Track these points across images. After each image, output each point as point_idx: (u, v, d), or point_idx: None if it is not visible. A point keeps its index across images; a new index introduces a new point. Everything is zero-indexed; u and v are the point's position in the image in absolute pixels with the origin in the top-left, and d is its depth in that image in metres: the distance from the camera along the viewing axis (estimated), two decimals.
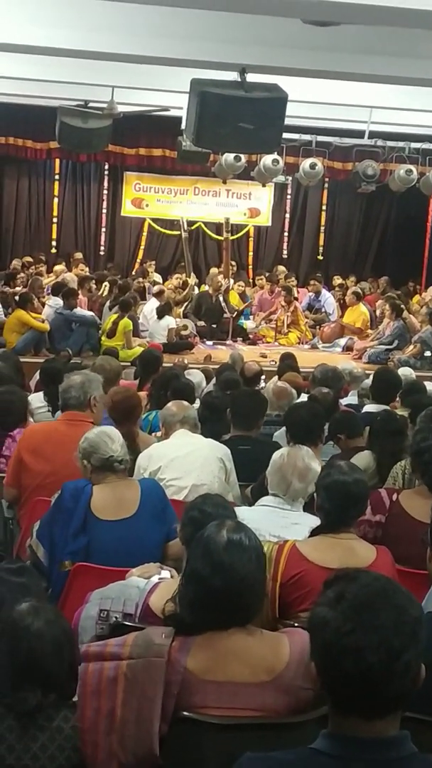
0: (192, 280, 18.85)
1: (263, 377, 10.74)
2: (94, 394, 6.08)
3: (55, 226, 21.21)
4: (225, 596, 2.97)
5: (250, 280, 20.97)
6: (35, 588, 3.80)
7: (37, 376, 9.45)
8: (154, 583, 3.76)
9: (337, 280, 20.66)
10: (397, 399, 8.63)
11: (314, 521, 4.61)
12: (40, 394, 8.48)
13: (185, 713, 2.87)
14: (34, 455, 5.80)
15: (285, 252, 22.60)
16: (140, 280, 18.70)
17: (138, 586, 3.81)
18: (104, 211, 21.55)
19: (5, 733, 3.01)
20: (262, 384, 10.20)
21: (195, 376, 9.56)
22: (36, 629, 3.14)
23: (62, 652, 3.15)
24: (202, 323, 17.16)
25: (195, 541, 3.16)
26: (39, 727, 3.03)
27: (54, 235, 21.22)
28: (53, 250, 20.96)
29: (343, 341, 17.35)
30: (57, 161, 20.58)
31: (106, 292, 17.58)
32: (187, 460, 6.03)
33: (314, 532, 4.33)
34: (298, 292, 19.14)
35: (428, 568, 3.58)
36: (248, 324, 18.22)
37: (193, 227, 21.02)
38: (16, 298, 15.46)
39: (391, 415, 6.99)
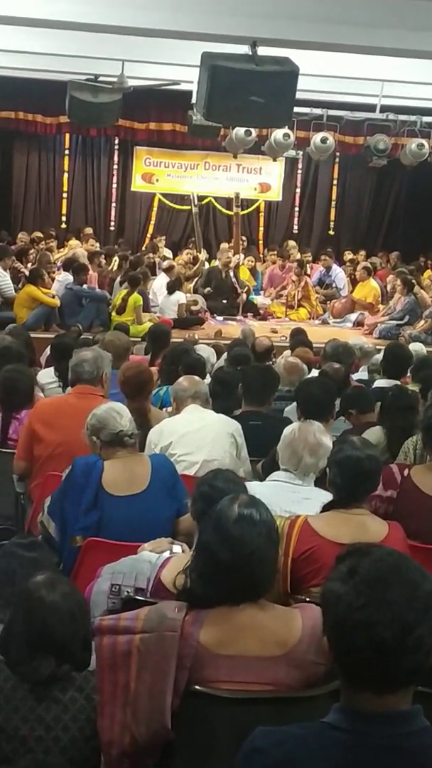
0: (203, 255, 18.81)
1: (274, 352, 10.71)
2: (105, 370, 6.11)
3: (65, 201, 21.19)
4: (234, 570, 2.99)
5: (261, 255, 20.92)
6: (47, 563, 3.82)
7: (47, 351, 9.46)
8: (166, 558, 3.77)
9: (348, 255, 20.61)
10: (408, 374, 8.61)
11: (325, 496, 4.61)
12: (51, 369, 8.50)
13: (197, 687, 2.88)
14: (45, 426, 5.84)
15: (296, 227, 22.56)
16: (150, 255, 18.65)
17: (150, 560, 3.81)
18: (114, 186, 21.51)
19: (19, 705, 3.03)
20: (273, 359, 10.19)
21: (204, 351, 9.55)
22: (51, 601, 3.15)
23: (76, 624, 3.16)
24: (211, 299, 17.12)
25: (208, 514, 3.17)
26: (53, 699, 3.05)
27: (64, 211, 21.21)
28: (63, 226, 20.95)
29: (353, 316, 17.31)
30: (67, 136, 20.53)
31: (116, 267, 17.56)
32: (198, 436, 6.03)
33: (326, 508, 4.33)
34: (311, 267, 19.12)
35: None
36: (258, 299, 18.19)
37: (203, 202, 20.99)
38: (26, 273, 15.44)
39: (403, 390, 6.98)
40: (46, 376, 8.42)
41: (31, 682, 3.07)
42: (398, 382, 8.06)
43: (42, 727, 3.01)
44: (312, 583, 3.98)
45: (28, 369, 7.12)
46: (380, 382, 8.34)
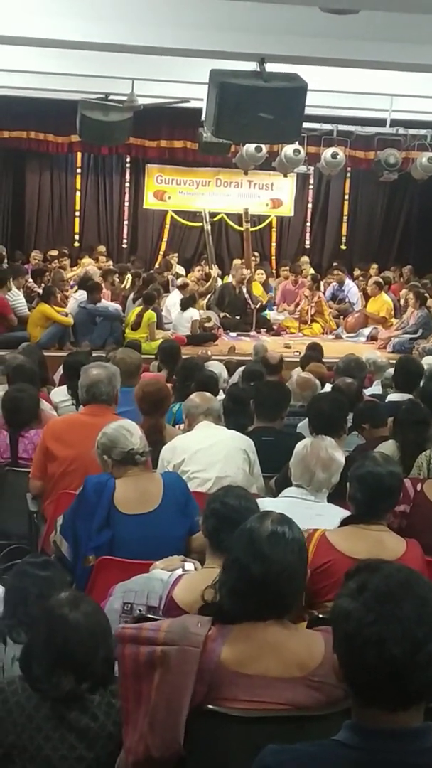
0: (215, 271, 18.83)
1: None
2: (118, 387, 6.13)
3: (77, 220, 21.25)
4: (264, 585, 2.99)
5: (273, 271, 20.93)
6: (60, 582, 3.81)
7: (61, 370, 9.47)
8: (178, 576, 3.77)
9: (358, 271, 20.55)
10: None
11: (339, 512, 4.60)
12: (64, 388, 8.50)
13: (210, 707, 2.87)
14: (58, 442, 5.87)
15: (308, 242, 22.58)
16: (164, 274, 18.68)
17: (161, 578, 3.81)
18: (126, 203, 21.56)
19: (42, 723, 3.03)
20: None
21: (215, 367, 9.54)
22: (73, 619, 3.16)
23: (97, 643, 3.17)
24: (224, 314, 17.15)
25: (239, 531, 3.18)
26: (74, 718, 3.05)
27: (77, 229, 21.26)
28: (76, 244, 21.01)
29: (367, 331, 17.30)
30: (78, 155, 20.59)
31: (129, 285, 17.59)
32: (210, 452, 6.03)
33: (345, 522, 4.32)
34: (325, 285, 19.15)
35: None
36: (272, 315, 18.20)
37: (215, 219, 21.02)
38: (40, 292, 15.49)
39: (416, 404, 6.94)
40: (60, 394, 8.42)
41: (52, 699, 3.07)
42: (411, 396, 8.04)
43: (65, 746, 3.01)
44: (327, 598, 3.96)
45: (32, 388, 7.10)
46: (393, 397, 8.33)
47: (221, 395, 7.91)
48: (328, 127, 17.44)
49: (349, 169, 20.05)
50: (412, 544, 4.28)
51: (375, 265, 20.65)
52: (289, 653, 2.97)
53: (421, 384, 8.40)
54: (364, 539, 4.17)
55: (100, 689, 3.13)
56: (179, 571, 3.85)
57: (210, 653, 2.91)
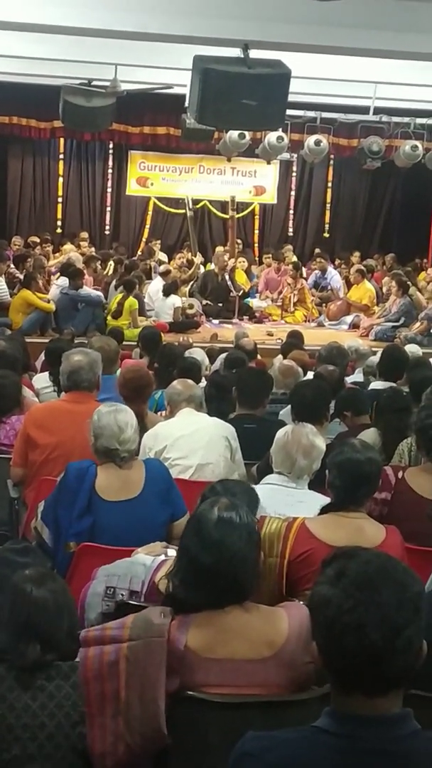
0: (198, 258, 18.81)
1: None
2: (99, 372, 6.11)
3: (60, 206, 21.18)
4: (215, 573, 2.99)
5: (256, 258, 20.93)
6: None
7: (42, 356, 9.45)
8: (161, 561, 3.77)
9: (340, 260, 20.55)
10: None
11: (320, 499, 4.60)
12: (46, 374, 8.48)
13: (189, 692, 2.88)
14: (40, 430, 5.83)
15: (291, 230, 22.59)
16: (146, 261, 18.64)
17: (144, 563, 3.80)
18: (109, 190, 21.50)
19: (6, 694, 3.05)
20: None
21: (197, 354, 9.54)
22: (36, 595, 3.19)
23: (62, 615, 3.20)
24: (207, 302, 17.14)
25: (189, 519, 3.18)
26: (39, 687, 3.07)
27: (59, 215, 21.20)
28: (58, 230, 20.95)
29: (349, 319, 17.32)
30: (61, 140, 20.52)
31: (111, 272, 17.56)
32: (192, 439, 6.03)
33: (324, 510, 4.32)
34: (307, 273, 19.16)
35: None
36: (254, 302, 18.21)
37: (198, 206, 20.99)
38: (21, 278, 15.45)
39: (398, 392, 6.96)
40: (41, 381, 8.40)
41: (17, 668, 3.09)
42: (394, 384, 8.05)
43: (28, 714, 3.03)
44: (308, 587, 3.94)
45: (14, 374, 7.07)
46: (376, 384, 8.33)
47: (203, 382, 7.90)
48: (311, 114, 17.43)
49: (332, 156, 20.04)
50: (391, 531, 4.28)
51: (357, 253, 20.65)
52: (255, 633, 2.99)
53: (407, 372, 8.44)
54: (344, 527, 4.17)
55: (66, 661, 3.15)
56: (162, 557, 3.84)
57: (175, 642, 2.91)
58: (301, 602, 3.52)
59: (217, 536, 3.02)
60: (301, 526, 4.12)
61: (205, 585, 2.99)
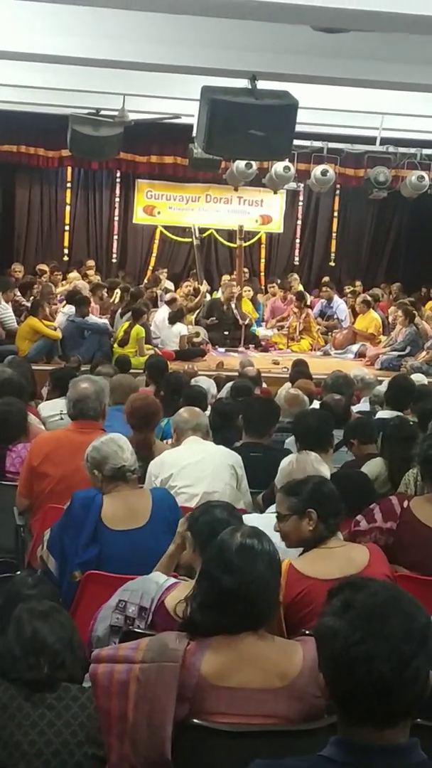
0: (204, 287, 18.85)
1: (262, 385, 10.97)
2: (106, 401, 6.12)
3: (67, 234, 21.24)
4: (235, 598, 3.00)
5: (262, 287, 20.98)
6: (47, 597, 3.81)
7: (48, 384, 9.45)
8: (173, 583, 3.77)
9: (348, 288, 20.58)
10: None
11: None
12: (52, 402, 8.50)
13: (196, 721, 2.87)
14: (45, 461, 5.82)
15: (297, 259, 22.62)
16: (153, 289, 18.68)
17: (157, 581, 3.81)
18: (116, 218, 21.58)
19: (16, 713, 3.08)
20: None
21: (203, 382, 9.56)
22: (40, 611, 3.28)
23: (66, 635, 3.24)
24: (212, 319, 17.16)
25: (211, 544, 3.20)
26: (48, 706, 3.10)
27: (66, 243, 21.26)
28: (65, 258, 21.00)
29: (355, 348, 17.33)
30: (69, 169, 20.61)
31: (117, 300, 17.60)
32: (198, 468, 6.02)
33: (305, 548, 4.31)
34: (311, 299, 19.20)
35: None
36: (260, 331, 18.24)
37: (204, 234, 21.04)
38: (28, 305, 15.50)
39: (404, 421, 6.97)
40: (48, 408, 8.41)
41: (27, 687, 3.11)
42: (401, 414, 8.06)
43: (35, 731, 3.06)
44: (309, 625, 3.94)
45: (20, 401, 7.07)
46: (383, 414, 8.33)
47: (209, 410, 7.91)
48: (318, 144, 17.48)
49: (338, 186, 20.12)
50: (373, 549, 4.32)
51: (358, 282, 20.69)
52: (269, 664, 2.99)
53: (414, 401, 8.44)
54: (331, 558, 4.16)
55: (75, 684, 3.18)
56: (174, 579, 3.85)
57: (190, 668, 2.91)
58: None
59: (239, 561, 3.06)
60: (289, 569, 4.09)
61: (224, 609, 3.00)
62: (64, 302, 16.08)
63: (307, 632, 3.56)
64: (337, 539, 4.29)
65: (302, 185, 19.29)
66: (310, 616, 3.92)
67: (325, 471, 4.96)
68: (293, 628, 4.00)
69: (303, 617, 3.96)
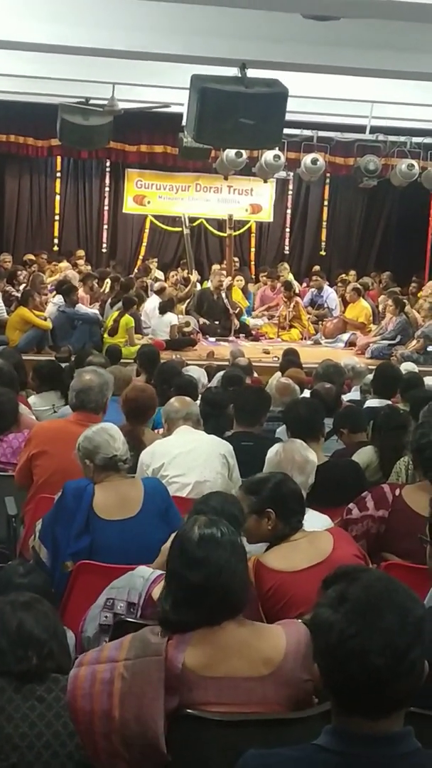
0: (194, 276, 18.83)
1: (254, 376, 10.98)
2: (108, 395, 6.09)
3: (57, 224, 21.20)
4: (205, 590, 2.98)
5: (253, 277, 20.97)
6: (41, 588, 3.81)
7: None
8: (159, 574, 3.76)
9: (341, 278, 20.56)
10: (398, 394, 8.64)
11: (317, 516, 4.60)
12: (43, 395, 8.49)
13: (188, 711, 2.87)
14: (42, 451, 5.84)
15: (287, 248, 22.61)
16: (143, 279, 18.66)
17: (143, 576, 3.81)
18: (106, 208, 21.54)
19: (5, 705, 3.07)
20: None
21: (194, 372, 9.56)
22: (23, 602, 3.27)
23: (51, 626, 3.24)
24: (203, 320, 17.17)
25: (172, 540, 3.19)
26: (38, 698, 3.09)
27: (56, 233, 21.22)
28: (55, 248, 20.95)
29: (345, 336, 17.36)
30: (58, 158, 20.55)
31: (108, 289, 17.58)
32: (190, 457, 6.02)
33: (270, 544, 4.31)
34: (302, 288, 19.20)
35: (428, 565, 3.58)
36: (251, 320, 18.24)
37: (194, 224, 21.02)
38: (18, 295, 15.48)
39: (395, 410, 6.98)
40: (40, 403, 8.42)
41: (17, 679, 3.10)
42: (389, 402, 8.07)
43: (26, 724, 3.05)
44: (290, 615, 3.94)
45: (11, 392, 7.06)
46: (371, 402, 8.36)
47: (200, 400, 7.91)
48: (308, 133, 17.46)
49: (328, 175, 20.08)
50: (336, 532, 4.35)
51: (353, 272, 20.70)
52: (252, 651, 2.98)
53: (404, 390, 8.45)
54: (296, 550, 4.17)
55: (64, 675, 3.16)
56: (160, 571, 3.84)
57: (173, 660, 2.90)
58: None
59: (202, 554, 3.02)
60: (256, 564, 4.10)
61: (197, 604, 2.98)
62: (54, 292, 16.06)
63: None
64: (301, 532, 4.27)
65: (292, 174, 19.30)
66: (286, 608, 3.94)
67: (312, 457, 4.97)
68: (270, 622, 4.00)
69: (279, 611, 3.96)
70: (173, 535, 3.32)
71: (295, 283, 19.22)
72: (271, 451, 5.01)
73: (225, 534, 3.10)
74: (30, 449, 5.92)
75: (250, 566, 4.02)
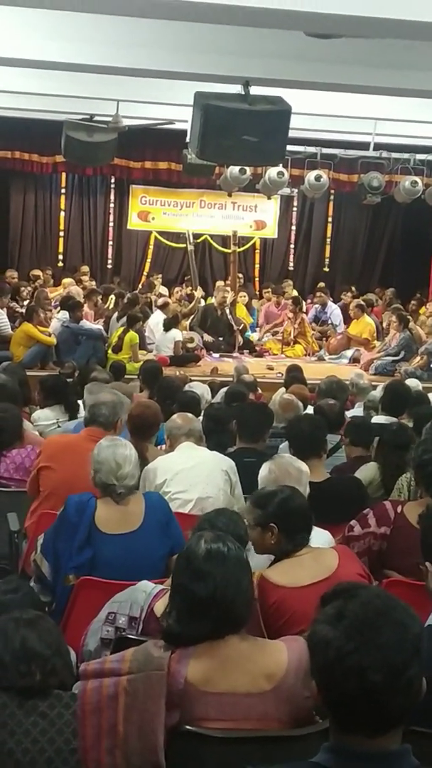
0: (198, 293, 18.84)
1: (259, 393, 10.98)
2: (122, 416, 6.08)
3: (61, 240, 21.21)
4: (210, 604, 3.00)
5: (257, 293, 20.97)
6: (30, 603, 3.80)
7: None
8: (160, 589, 3.77)
9: (347, 295, 20.52)
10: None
11: (318, 533, 4.60)
12: (46, 410, 8.49)
13: (187, 727, 2.87)
14: (51, 462, 5.86)
15: (291, 264, 22.63)
16: (147, 295, 18.66)
17: (145, 590, 3.81)
18: (111, 224, 21.55)
19: (8, 720, 3.07)
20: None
21: (198, 388, 9.56)
22: (27, 618, 3.26)
23: (54, 641, 3.23)
24: (208, 336, 17.18)
25: (178, 555, 3.20)
26: (40, 714, 3.08)
27: (61, 249, 21.23)
28: (60, 264, 20.97)
29: (349, 353, 17.36)
30: (63, 175, 20.59)
31: (112, 305, 17.60)
32: (192, 473, 6.02)
33: (275, 558, 4.31)
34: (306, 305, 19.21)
35: (427, 586, 3.58)
36: (254, 336, 18.25)
37: (199, 240, 21.05)
38: (22, 311, 15.50)
39: (404, 428, 6.94)
40: (44, 418, 8.42)
41: (20, 695, 3.10)
42: (397, 420, 8.06)
43: (29, 739, 3.05)
44: (291, 632, 3.93)
45: (14, 407, 7.07)
46: (379, 419, 8.31)
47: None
48: (311, 149, 17.49)
49: (332, 191, 20.08)
50: (340, 549, 4.35)
51: (353, 289, 20.68)
52: (254, 666, 2.99)
53: (410, 406, 8.44)
54: (300, 566, 4.16)
55: (67, 692, 3.17)
56: (161, 586, 3.85)
57: (176, 675, 2.91)
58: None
59: (208, 568, 3.04)
60: (260, 579, 4.08)
61: (201, 617, 3.00)
62: (59, 308, 16.07)
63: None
64: (305, 548, 4.26)
65: (296, 191, 19.32)
66: (288, 625, 3.92)
67: (304, 467, 4.98)
68: (272, 637, 3.99)
69: (281, 626, 3.95)
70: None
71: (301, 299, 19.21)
72: (263, 470, 4.98)
73: (231, 549, 3.13)
74: (40, 461, 5.95)
75: (255, 582, 4.04)
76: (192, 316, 17.81)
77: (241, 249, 21.02)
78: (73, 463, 5.57)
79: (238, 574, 3.09)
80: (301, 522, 4.30)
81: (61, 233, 21.21)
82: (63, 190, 21.07)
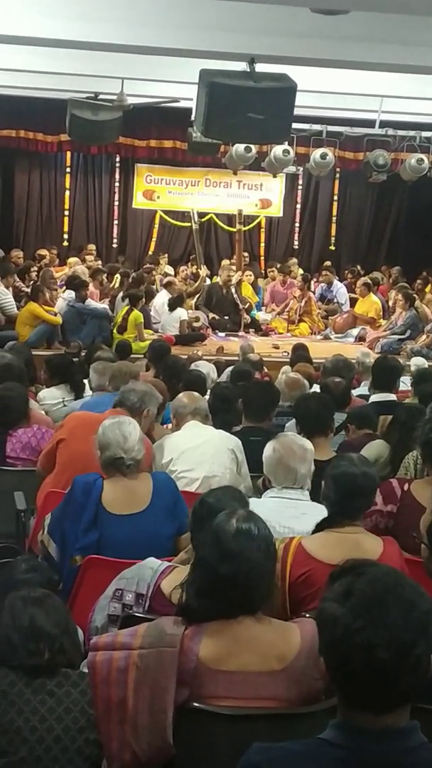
0: (203, 271, 18.81)
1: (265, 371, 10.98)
2: (150, 407, 6.04)
3: (66, 219, 21.16)
4: (233, 584, 3.00)
5: (262, 272, 20.94)
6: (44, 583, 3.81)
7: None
8: (167, 566, 3.77)
9: (349, 274, 20.52)
10: (410, 388, 8.58)
11: (322, 509, 4.59)
12: (52, 389, 8.50)
13: (196, 704, 2.88)
14: (69, 436, 5.86)
15: (296, 243, 22.56)
16: (152, 272, 18.58)
17: (152, 567, 3.81)
18: (116, 203, 21.49)
19: (16, 699, 3.08)
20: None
21: (204, 367, 9.55)
22: (34, 597, 3.29)
23: (61, 618, 3.27)
24: (213, 315, 17.16)
25: (205, 530, 3.19)
26: (48, 692, 3.10)
27: (66, 228, 21.19)
28: (65, 243, 20.94)
29: (355, 331, 17.34)
30: (68, 154, 20.52)
31: (117, 285, 17.58)
32: (198, 452, 6.03)
33: (319, 526, 4.29)
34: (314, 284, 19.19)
35: (426, 566, 3.58)
36: (260, 315, 18.23)
37: (204, 219, 20.98)
38: (28, 291, 15.49)
39: (421, 410, 6.86)
40: (50, 397, 8.42)
41: (28, 673, 3.11)
42: (392, 395, 8.04)
43: (36, 718, 3.06)
44: (310, 607, 3.91)
45: (21, 387, 7.06)
46: (374, 397, 8.27)
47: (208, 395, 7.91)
48: (317, 127, 17.40)
49: (338, 169, 20.02)
50: (389, 543, 4.27)
51: (358, 267, 20.63)
52: (266, 646, 2.99)
53: (415, 384, 8.41)
54: (341, 544, 4.13)
55: (75, 670, 3.20)
56: (169, 563, 3.85)
57: (188, 652, 2.92)
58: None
59: (237, 548, 3.03)
60: (298, 547, 4.10)
61: (221, 595, 3.00)
62: (64, 287, 16.06)
63: (307, 615, 3.58)
64: (355, 526, 4.25)
65: (301, 169, 19.24)
66: (311, 598, 3.92)
67: (309, 444, 4.98)
68: (293, 608, 4.01)
69: (305, 598, 3.97)
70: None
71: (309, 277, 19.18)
72: (267, 449, 4.95)
73: (260, 530, 3.13)
74: (60, 434, 5.96)
75: (291, 546, 4.04)
76: (197, 295, 17.79)
77: (247, 228, 20.97)
78: (84, 439, 5.54)
79: (264, 558, 3.08)
80: (361, 500, 4.31)
81: (66, 212, 21.16)
82: (68, 169, 21.00)
